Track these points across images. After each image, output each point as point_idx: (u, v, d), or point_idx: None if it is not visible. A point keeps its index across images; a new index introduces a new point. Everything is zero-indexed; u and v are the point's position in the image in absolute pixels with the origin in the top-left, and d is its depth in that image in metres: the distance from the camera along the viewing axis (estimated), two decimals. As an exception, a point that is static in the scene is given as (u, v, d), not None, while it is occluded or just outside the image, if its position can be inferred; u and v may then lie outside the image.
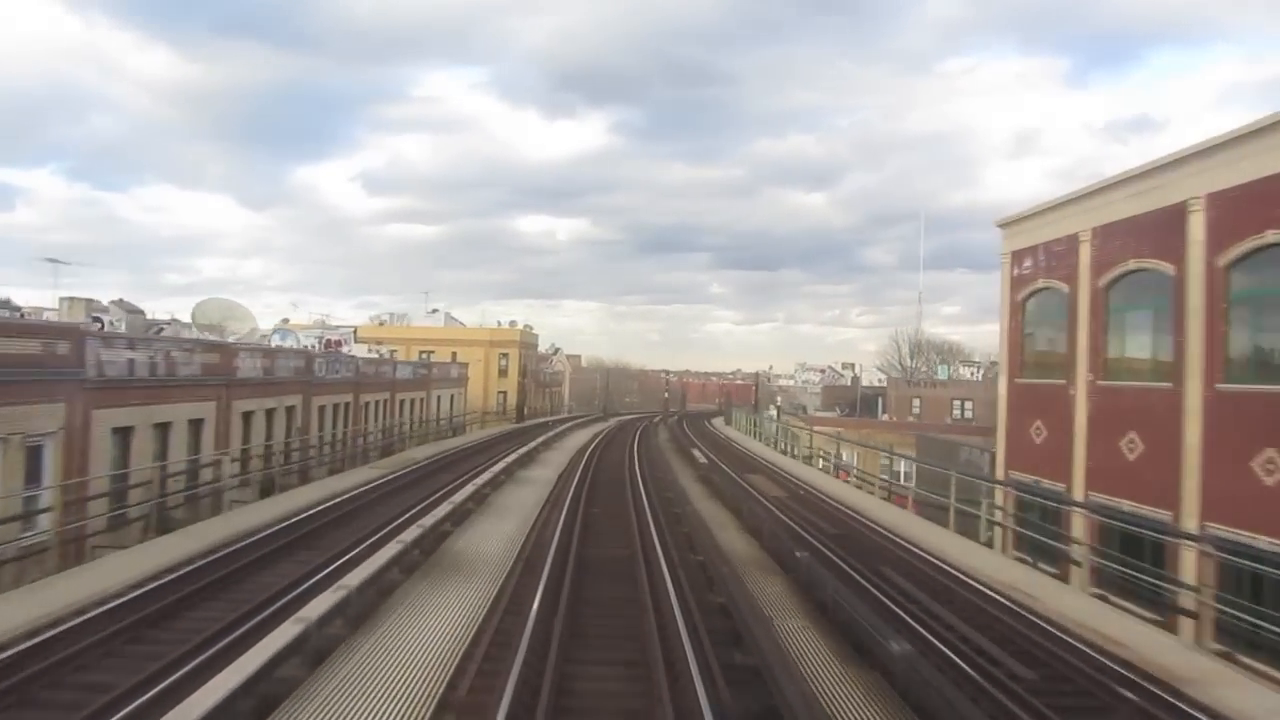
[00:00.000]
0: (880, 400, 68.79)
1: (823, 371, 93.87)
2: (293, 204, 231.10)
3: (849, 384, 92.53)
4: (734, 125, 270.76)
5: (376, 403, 39.50)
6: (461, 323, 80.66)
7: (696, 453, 30.28)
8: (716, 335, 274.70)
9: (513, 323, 76.56)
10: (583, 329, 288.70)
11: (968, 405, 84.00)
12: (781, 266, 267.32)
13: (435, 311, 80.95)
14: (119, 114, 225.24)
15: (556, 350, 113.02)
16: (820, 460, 34.86)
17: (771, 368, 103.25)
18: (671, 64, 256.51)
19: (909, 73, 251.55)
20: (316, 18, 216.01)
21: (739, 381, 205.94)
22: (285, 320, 65.98)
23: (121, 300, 42.23)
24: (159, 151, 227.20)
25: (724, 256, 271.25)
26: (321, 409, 32.13)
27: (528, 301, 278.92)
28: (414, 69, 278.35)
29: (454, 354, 74.10)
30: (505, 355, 74.33)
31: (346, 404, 35.20)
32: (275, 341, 47.32)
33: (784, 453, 39.38)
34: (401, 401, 43.61)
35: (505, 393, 73.88)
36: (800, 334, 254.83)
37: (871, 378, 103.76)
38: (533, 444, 32.87)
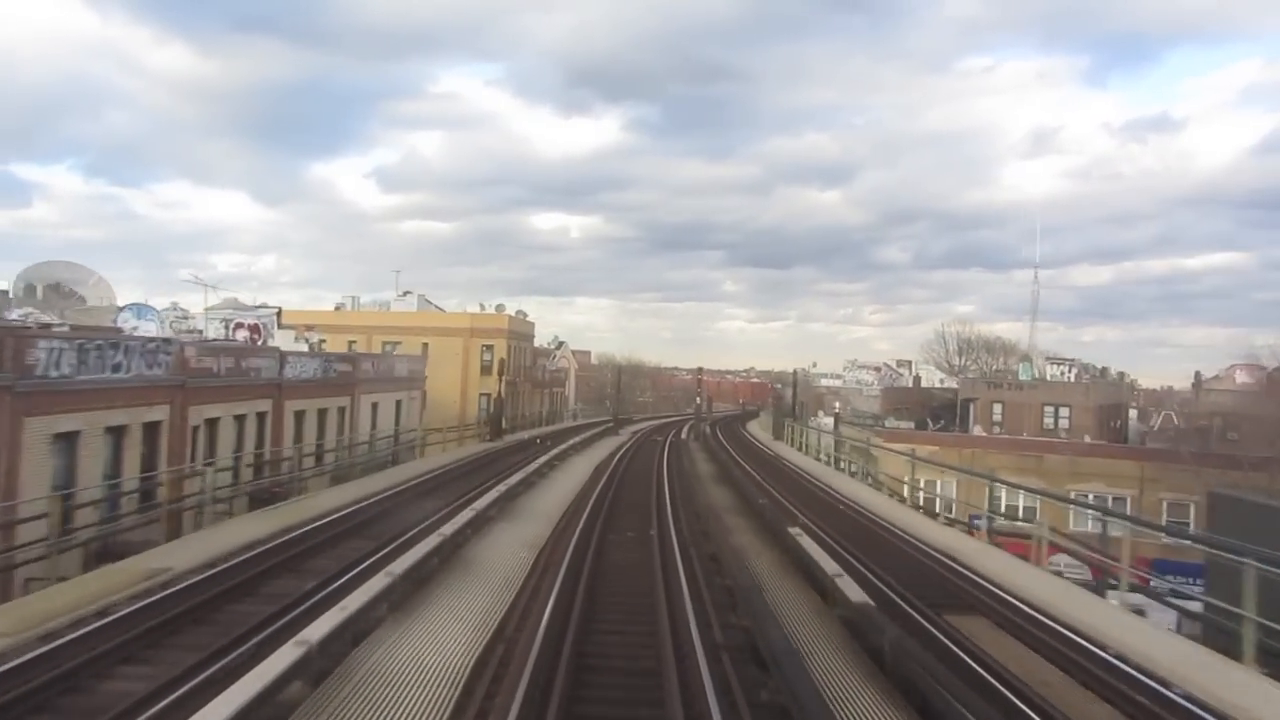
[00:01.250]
0: (971, 408, 52.90)
1: (878, 370, 77.88)
2: (307, 200, 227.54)
3: (910, 385, 76.54)
4: (749, 123, 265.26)
5: (237, 419, 24.01)
6: (440, 309, 65.28)
7: (808, 545, 14.27)
8: (729, 333, 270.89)
9: (499, 307, 60.91)
10: (595, 326, 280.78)
11: (1063, 413, 68.51)
12: (795, 264, 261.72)
13: (407, 294, 65.68)
14: (136, 110, 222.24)
15: (560, 344, 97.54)
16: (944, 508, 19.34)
17: (816, 365, 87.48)
18: (688, 61, 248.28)
19: (927, 71, 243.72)
20: (333, 14, 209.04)
21: (754, 380, 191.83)
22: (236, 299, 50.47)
23: (58, 285, 29.06)
24: (175, 147, 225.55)
25: (737, 254, 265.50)
26: (68, 440, 16.66)
27: (541, 298, 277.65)
28: (430, 65, 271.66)
29: (425, 345, 58.88)
30: (490, 347, 58.82)
31: (156, 425, 19.73)
32: (126, 322, 32.28)
33: (884, 491, 24.07)
34: (299, 414, 28.16)
35: (489, 395, 58.37)
36: (813, 332, 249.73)
37: (930, 377, 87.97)
38: (480, 503, 17.39)
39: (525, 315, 66.36)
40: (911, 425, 51.06)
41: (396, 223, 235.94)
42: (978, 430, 52.98)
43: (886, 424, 48.35)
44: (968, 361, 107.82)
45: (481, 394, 57.73)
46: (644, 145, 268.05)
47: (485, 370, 58.34)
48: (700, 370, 45.51)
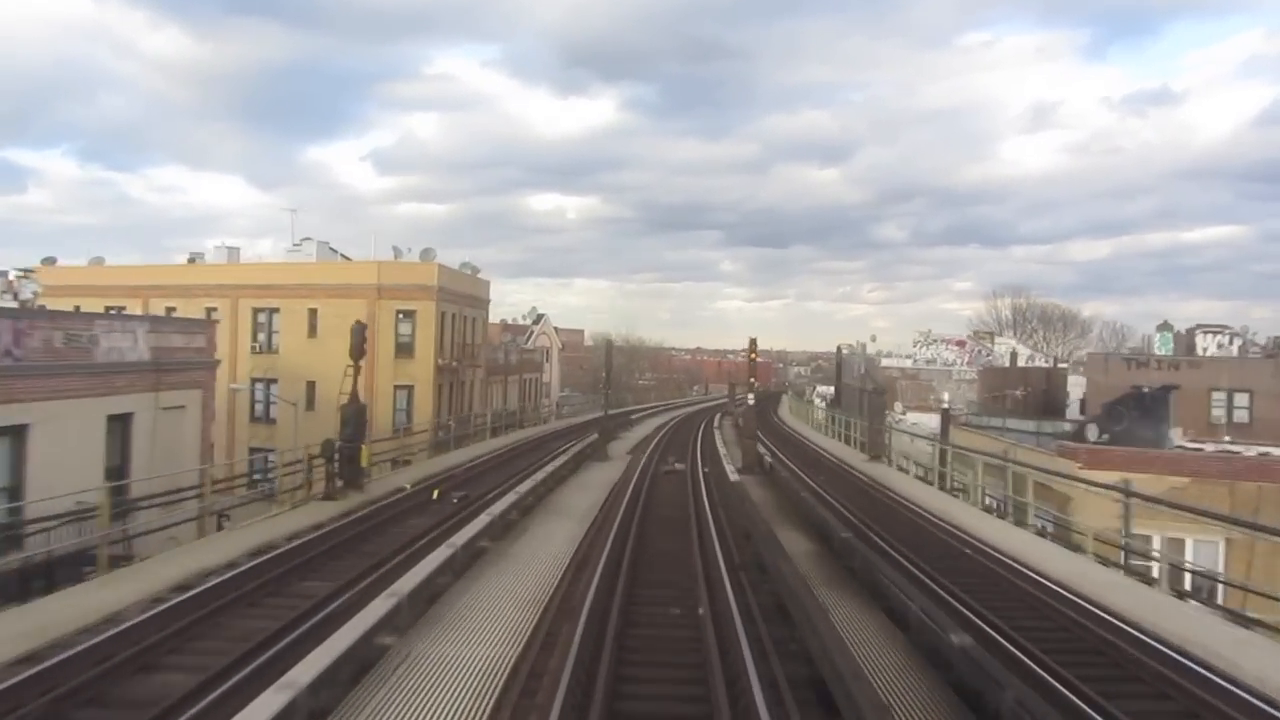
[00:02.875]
0: (1171, 400, 32.96)
1: (961, 344, 57.82)
2: (303, 184, 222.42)
3: (1008, 364, 56.50)
4: (747, 101, 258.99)
5: None
6: (347, 258, 44.82)
7: None
8: (728, 312, 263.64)
9: (426, 253, 40.24)
10: (594, 308, 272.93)
11: (1239, 400, 48.73)
12: (793, 243, 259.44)
13: (306, 241, 45.26)
14: (131, 94, 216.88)
15: (539, 319, 77.27)
16: None
17: (876, 338, 67.71)
18: (685, 39, 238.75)
19: (926, 47, 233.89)
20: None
21: (760, 360, 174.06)
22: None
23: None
24: (170, 132, 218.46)
25: (735, 234, 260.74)
26: None
27: (538, 280, 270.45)
28: (426, 47, 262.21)
29: (313, 311, 38.81)
30: (410, 314, 38.50)
31: None
32: None
33: None
34: None
35: (412, 388, 38.18)
36: (811, 311, 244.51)
37: (1006, 351, 67.93)
38: None
39: (475, 269, 45.87)
40: (1096, 430, 31.09)
41: (393, 205, 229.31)
42: (1178, 438, 33.09)
43: (1086, 436, 28.54)
44: (1021, 336, 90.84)
45: (398, 387, 37.53)
46: (641, 125, 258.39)
47: (404, 351, 38.09)
48: (754, 344, 25.85)
